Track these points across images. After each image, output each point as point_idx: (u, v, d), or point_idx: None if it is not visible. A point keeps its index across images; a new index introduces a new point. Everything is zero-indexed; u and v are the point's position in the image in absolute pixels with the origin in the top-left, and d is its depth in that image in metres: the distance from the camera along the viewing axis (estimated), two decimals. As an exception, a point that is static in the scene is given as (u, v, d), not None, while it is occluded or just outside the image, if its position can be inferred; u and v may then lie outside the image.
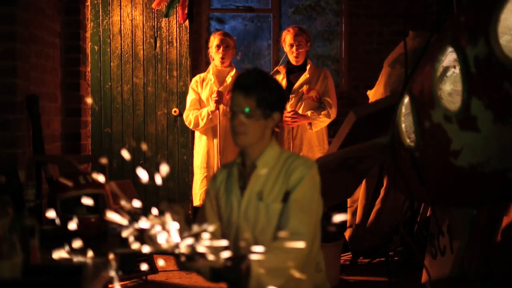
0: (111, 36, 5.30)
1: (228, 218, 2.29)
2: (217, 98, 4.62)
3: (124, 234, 1.98)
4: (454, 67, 2.89)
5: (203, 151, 4.79)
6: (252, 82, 2.23)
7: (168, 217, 1.98)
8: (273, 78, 2.35)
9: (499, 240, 3.46)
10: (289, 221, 2.15)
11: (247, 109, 2.21)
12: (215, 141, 4.74)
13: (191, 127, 4.81)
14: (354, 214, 5.12)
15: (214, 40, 4.82)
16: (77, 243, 2.09)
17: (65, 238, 2.50)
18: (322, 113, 4.74)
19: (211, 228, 2.00)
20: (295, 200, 2.18)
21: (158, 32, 5.32)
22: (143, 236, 1.98)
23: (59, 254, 2.10)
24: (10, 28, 3.64)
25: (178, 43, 5.31)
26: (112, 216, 1.97)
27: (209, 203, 2.35)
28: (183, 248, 1.95)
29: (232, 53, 4.84)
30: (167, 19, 5.27)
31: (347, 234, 5.08)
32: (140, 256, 4.25)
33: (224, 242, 2.07)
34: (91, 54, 5.24)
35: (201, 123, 4.70)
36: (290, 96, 4.78)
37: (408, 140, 3.07)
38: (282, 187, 2.22)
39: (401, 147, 3.13)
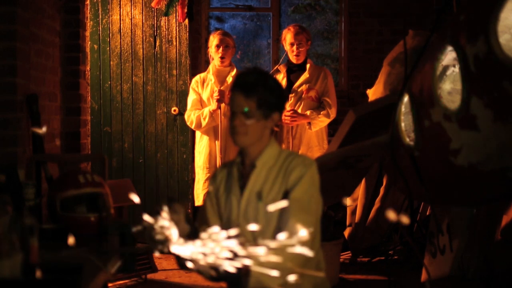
0: (110, 35, 5.30)
1: (227, 217, 2.29)
2: (218, 97, 4.62)
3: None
4: (454, 66, 2.89)
5: (205, 151, 4.78)
6: (253, 82, 2.22)
7: (168, 216, 1.98)
8: (274, 78, 2.34)
9: (499, 239, 3.46)
10: (289, 220, 2.13)
11: (247, 109, 2.20)
12: (217, 141, 4.73)
13: (192, 127, 4.80)
14: (353, 213, 5.12)
15: (213, 40, 4.81)
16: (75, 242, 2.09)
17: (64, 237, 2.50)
18: (321, 113, 4.73)
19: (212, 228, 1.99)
20: (295, 199, 2.17)
21: (158, 31, 5.32)
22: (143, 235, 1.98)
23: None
24: (10, 27, 3.64)
25: (177, 42, 5.31)
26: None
27: (210, 202, 2.35)
28: (183, 249, 1.94)
29: (232, 52, 4.83)
30: (166, 18, 5.27)
31: (347, 233, 5.08)
32: (139, 255, 4.27)
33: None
34: (90, 53, 5.24)
35: (203, 123, 4.70)
36: (290, 96, 4.78)
37: (407, 139, 3.07)
38: (282, 186, 2.21)
39: (400, 146, 3.13)
